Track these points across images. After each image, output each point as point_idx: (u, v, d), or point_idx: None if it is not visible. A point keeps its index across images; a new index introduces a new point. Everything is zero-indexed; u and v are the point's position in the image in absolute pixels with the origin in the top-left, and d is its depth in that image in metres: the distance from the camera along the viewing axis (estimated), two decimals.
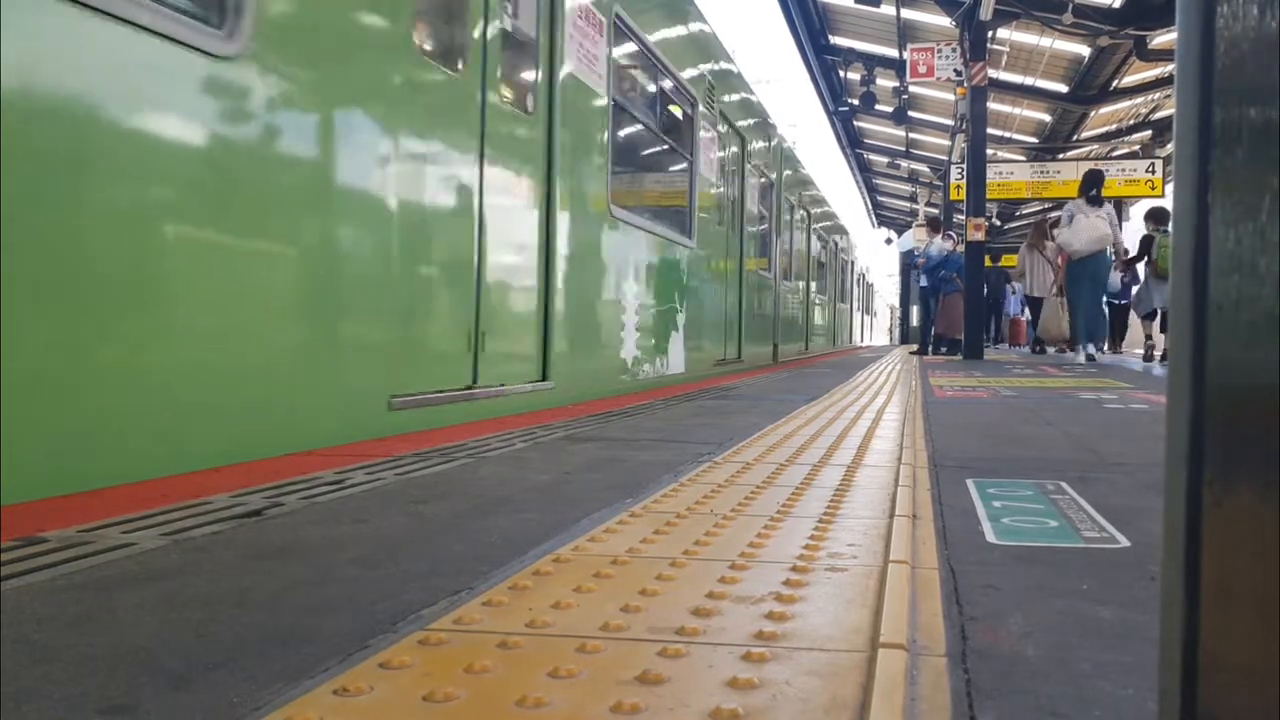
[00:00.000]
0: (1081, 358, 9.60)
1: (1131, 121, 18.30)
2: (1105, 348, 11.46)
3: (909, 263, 13.41)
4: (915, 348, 15.98)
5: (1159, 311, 10.33)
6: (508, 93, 4.09)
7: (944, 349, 13.11)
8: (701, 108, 7.46)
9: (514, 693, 0.90)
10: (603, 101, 5.16)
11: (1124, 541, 1.65)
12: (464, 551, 1.52)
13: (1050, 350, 12.23)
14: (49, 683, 0.94)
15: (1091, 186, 9.65)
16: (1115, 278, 11.31)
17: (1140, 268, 10.75)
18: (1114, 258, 10.27)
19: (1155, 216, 10.73)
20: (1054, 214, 14.50)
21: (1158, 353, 10.53)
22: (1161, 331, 10.54)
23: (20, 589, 1.27)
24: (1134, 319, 11.88)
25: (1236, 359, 0.49)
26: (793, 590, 1.26)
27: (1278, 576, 0.45)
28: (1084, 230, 9.40)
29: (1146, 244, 10.40)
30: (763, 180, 10.62)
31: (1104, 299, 10.65)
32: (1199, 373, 0.51)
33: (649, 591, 1.25)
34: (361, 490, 2.06)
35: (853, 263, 20.51)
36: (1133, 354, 12.61)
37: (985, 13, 11.30)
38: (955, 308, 12.67)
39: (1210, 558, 0.50)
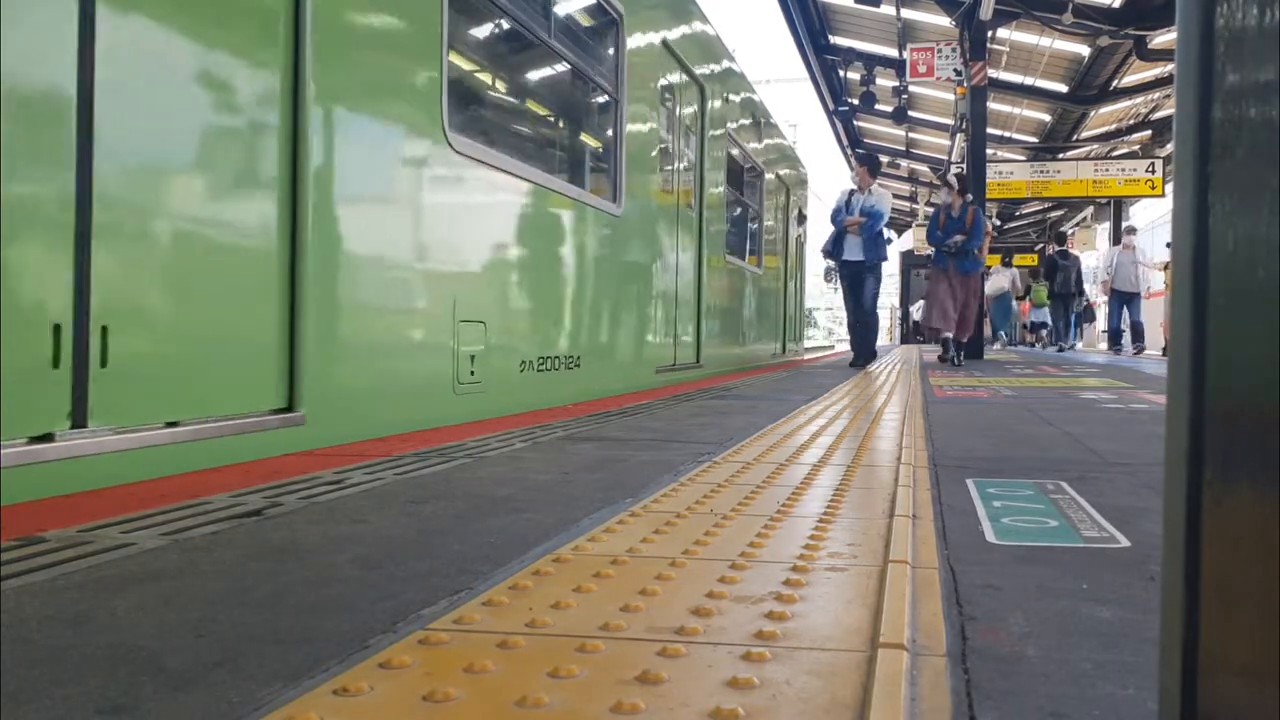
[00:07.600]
0: (998, 345, 17.40)
1: (1131, 121, 18.30)
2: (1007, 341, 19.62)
3: (834, 220, 8.46)
4: (928, 348, 14.17)
5: (1035, 324, 19.17)
6: None
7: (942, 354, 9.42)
8: None
9: (514, 693, 0.90)
10: None
11: (1124, 541, 1.65)
12: (464, 551, 1.52)
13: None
14: (49, 683, 0.94)
15: (1008, 256, 19.31)
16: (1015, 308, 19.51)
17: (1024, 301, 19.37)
18: (1014, 297, 18.23)
19: (1034, 275, 19.60)
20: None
21: (1038, 346, 18.47)
22: (1034, 334, 19.31)
23: (20, 589, 1.27)
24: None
25: (1236, 359, 0.49)
26: (792, 590, 1.26)
27: (1278, 576, 0.45)
28: (993, 281, 16.53)
29: (1027, 288, 18.72)
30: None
31: (1010, 318, 19.23)
32: (1199, 373, 0.51)
33: (649, 591, 1.25)
34: (361, 490, 2.06)
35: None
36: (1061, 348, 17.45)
37: (985, 13, 11.32)
38: (937, 294, 9.13)
39: (1210, 558, 0.50)
